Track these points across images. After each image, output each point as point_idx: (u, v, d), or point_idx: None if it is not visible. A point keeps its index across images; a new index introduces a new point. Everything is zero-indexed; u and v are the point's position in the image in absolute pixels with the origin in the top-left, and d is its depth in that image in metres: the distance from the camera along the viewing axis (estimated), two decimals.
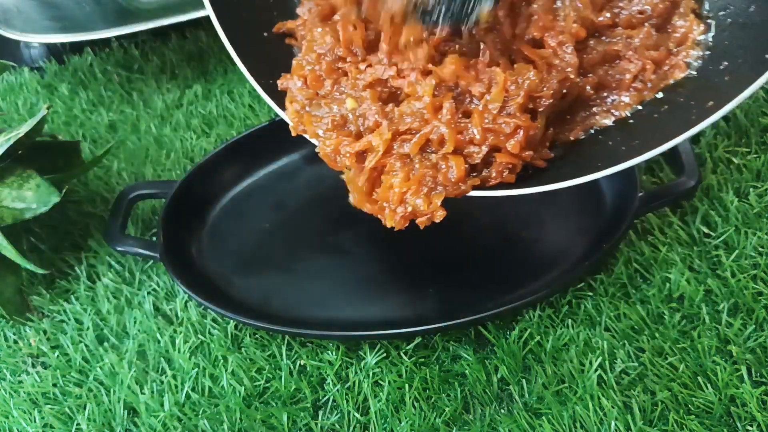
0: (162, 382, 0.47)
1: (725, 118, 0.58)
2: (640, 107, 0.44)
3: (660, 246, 0.49)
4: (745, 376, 0.40)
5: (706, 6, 0.45)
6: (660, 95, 0.44)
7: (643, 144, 0.40)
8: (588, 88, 0.44)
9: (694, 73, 0.44)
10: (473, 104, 0.42)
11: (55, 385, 0.48)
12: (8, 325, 0.54)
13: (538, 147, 0.42)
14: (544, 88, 0.41)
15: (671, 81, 0.44)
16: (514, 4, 0.44)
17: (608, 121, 0.44)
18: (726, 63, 0.42)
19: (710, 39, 0.44)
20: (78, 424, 0.45)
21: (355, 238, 0.55)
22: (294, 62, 0.47)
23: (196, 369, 0.47)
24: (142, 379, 0.47)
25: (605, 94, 0.45)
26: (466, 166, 0.41)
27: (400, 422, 0.42)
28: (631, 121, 0.44)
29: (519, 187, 0.42)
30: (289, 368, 0.46)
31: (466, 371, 0.44)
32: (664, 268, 0.47)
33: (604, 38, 0.45)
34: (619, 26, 0.45)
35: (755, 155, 0.54)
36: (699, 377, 0.41)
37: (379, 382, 0.44)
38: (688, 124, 0.39)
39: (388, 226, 0.42)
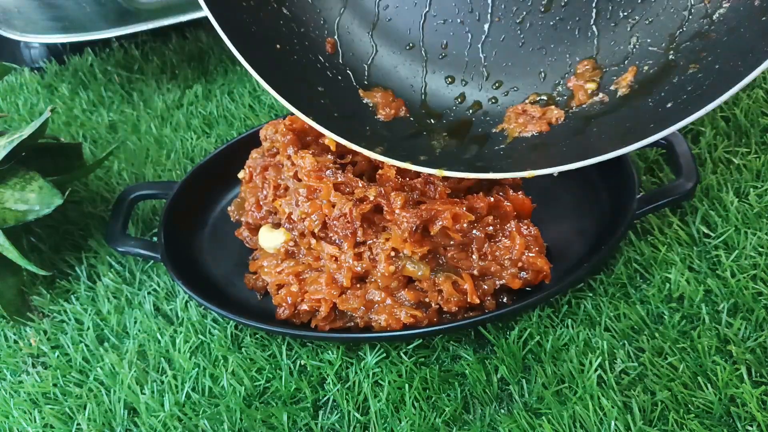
0: (162, 382, 0.47)
1: (725, 118, 0.58)
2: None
3: (660, 246, 0.49)
4: (745, 376, 0.40)
5: None
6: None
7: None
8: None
9: None
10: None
11: (55, 385, 0.48)
12: (9, 325, 0.54)
13: None
14: None
15: None
16: None
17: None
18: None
19: None
20: (78, 424, 0.45)
21: None
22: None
23: (197, 369, 0.47)
24: (142, 379, 0.47)
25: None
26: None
27: (400, 422, 0.42)
28: None
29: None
30: (289, 368, 0.46)
31: (466, 371, 0.44)
32: (664, 268, 0.47)
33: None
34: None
35: (755, 155, 0.54)
36: (699, 377, 0.41)
37: (379, 382, 0.44)
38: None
39: None
